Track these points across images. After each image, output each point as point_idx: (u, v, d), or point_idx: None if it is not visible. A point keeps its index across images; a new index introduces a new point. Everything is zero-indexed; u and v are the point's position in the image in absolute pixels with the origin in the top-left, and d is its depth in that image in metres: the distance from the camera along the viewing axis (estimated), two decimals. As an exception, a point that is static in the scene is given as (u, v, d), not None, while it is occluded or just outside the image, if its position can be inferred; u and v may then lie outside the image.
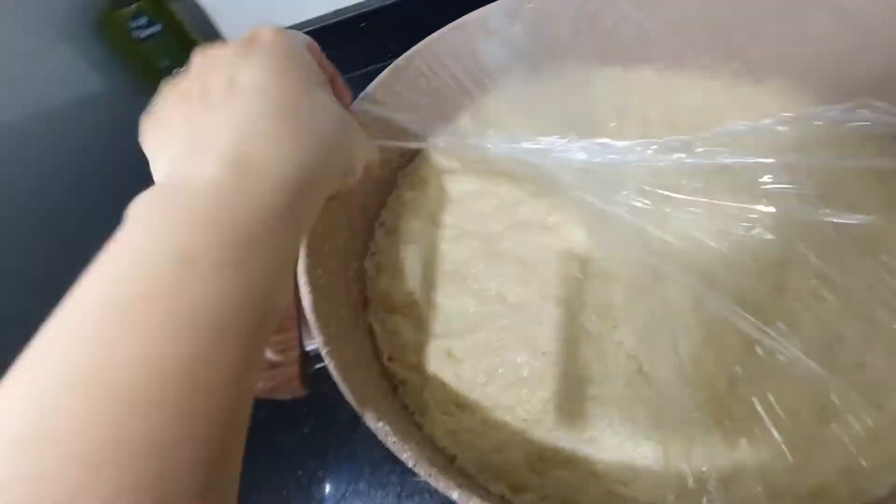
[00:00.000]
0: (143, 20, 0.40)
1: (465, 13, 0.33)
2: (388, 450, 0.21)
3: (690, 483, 0.22)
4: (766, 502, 0.21)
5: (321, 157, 0.19)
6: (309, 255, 0.25)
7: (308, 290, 0.24)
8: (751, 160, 0.26)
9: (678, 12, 0.33)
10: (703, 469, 0.22)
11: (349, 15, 0.48)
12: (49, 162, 0.38)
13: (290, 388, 0.23)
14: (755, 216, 0.27)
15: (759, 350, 0.25)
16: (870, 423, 0.22)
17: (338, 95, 0.24)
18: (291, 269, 0.21)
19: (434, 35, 0.33)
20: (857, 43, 0.29)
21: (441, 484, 0.19)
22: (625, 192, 0.26)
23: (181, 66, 0.43)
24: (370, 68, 0.38)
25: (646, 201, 0.26)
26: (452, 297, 0.29)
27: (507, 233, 0.31)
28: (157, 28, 0.41)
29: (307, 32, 0.25)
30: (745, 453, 0.23)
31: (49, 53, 0.38)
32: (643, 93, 0.34)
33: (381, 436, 0.21)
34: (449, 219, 0.33)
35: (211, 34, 0.49)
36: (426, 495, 0.31)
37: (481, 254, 0.31)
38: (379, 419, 0.21)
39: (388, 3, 0.47)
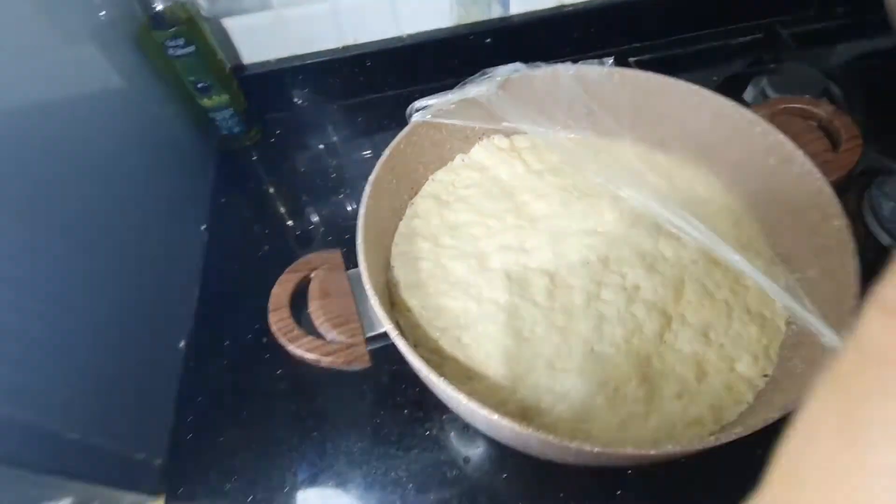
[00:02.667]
0: (180, 41, 0.45)
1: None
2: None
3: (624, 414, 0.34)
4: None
5: None
6: (367, 268, 0.34)
7: (373, 292, 0.33)
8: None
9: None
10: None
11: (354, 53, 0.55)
12: (83, 151, 0.40)
13: (361, 362, 0.32)
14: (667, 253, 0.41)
15: (664, 337, 0.38)
16: (727, 378, 0.36)
17: None
18: None
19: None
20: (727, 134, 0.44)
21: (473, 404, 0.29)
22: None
23: (205, 83, 0.50)
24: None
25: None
26: (458, 301, 0.40)
27: (495, 254, 0.42)
28: (190, 49, 0.46)
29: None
30: (659, 400, 0.36)
31: (90, 61, 0.41)
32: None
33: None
34: (450, 241, 0.43)
35: (232, 56, 0.54)
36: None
37: (477, 269, 0.41)
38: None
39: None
